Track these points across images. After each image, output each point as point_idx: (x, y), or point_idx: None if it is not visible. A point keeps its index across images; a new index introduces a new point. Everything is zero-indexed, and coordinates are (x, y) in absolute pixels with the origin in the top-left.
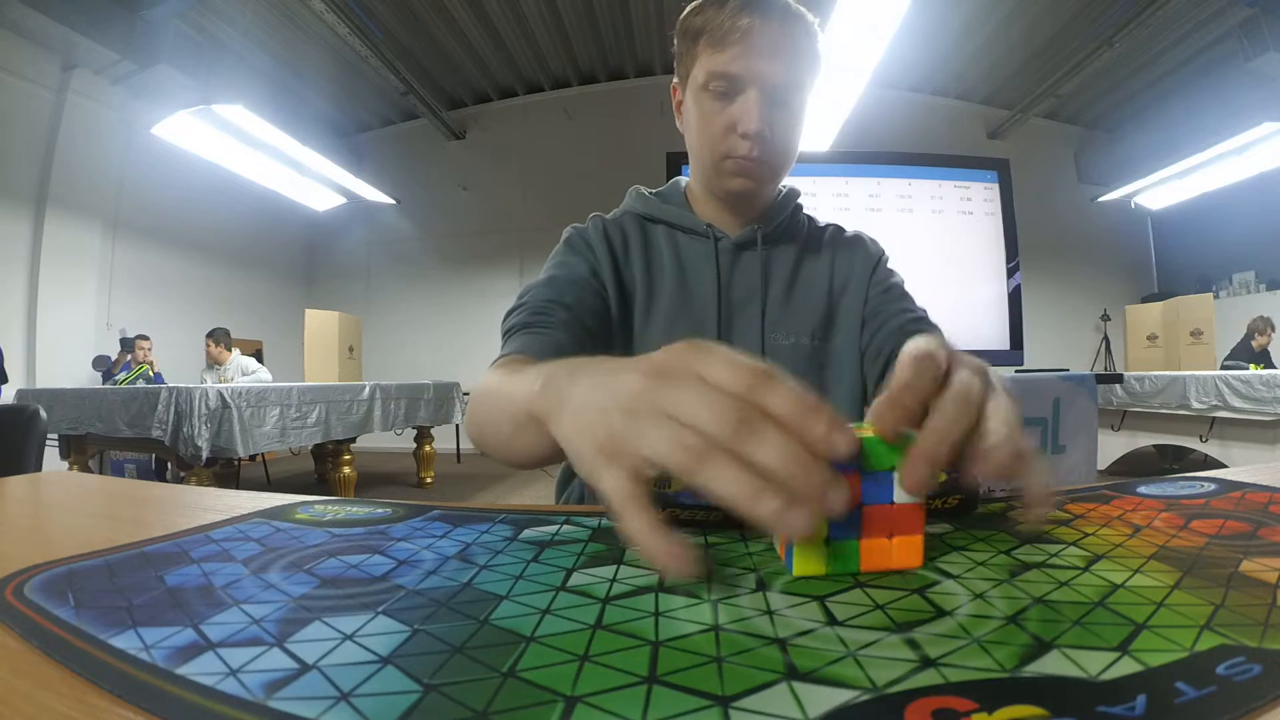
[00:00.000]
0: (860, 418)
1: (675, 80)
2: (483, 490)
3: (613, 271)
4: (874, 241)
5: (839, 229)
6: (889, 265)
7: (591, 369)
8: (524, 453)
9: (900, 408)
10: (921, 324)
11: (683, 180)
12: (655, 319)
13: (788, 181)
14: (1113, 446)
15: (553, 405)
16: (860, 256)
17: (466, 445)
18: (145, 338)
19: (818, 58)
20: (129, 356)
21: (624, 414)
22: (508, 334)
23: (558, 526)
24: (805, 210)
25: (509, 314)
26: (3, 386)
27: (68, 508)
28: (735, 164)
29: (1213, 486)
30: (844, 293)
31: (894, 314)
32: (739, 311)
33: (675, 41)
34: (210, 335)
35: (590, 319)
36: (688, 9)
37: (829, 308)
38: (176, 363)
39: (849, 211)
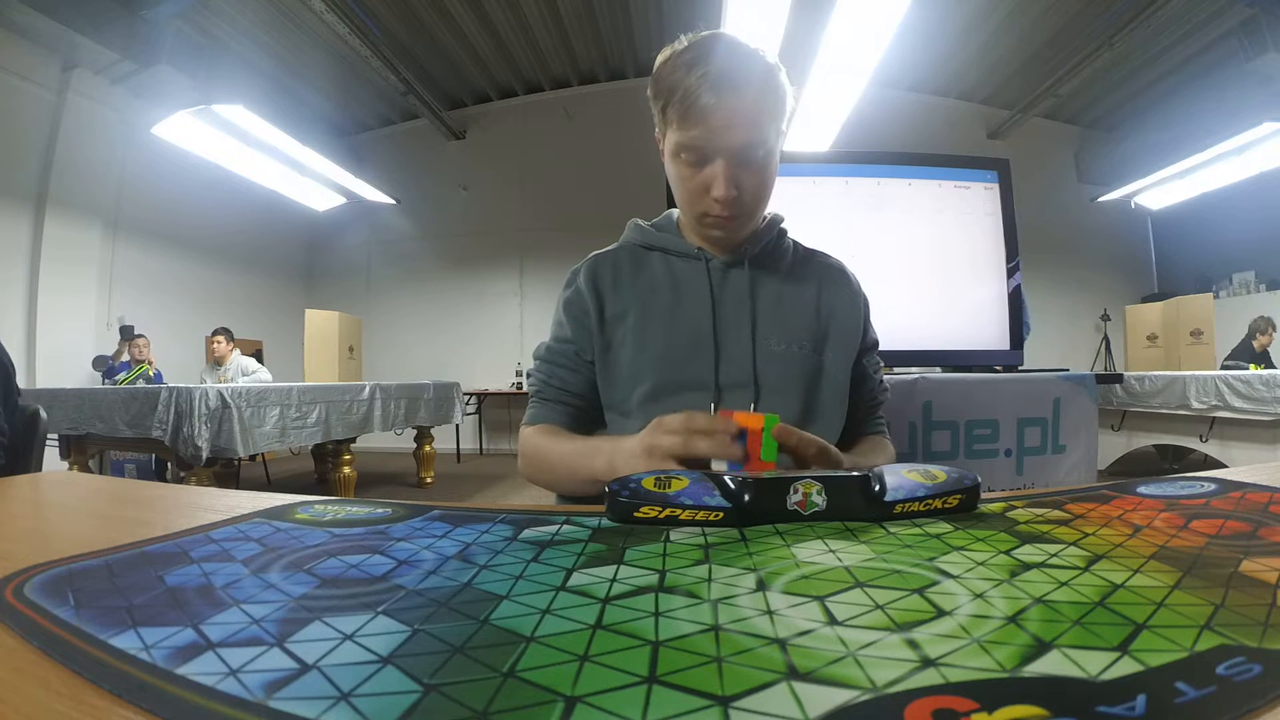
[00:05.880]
0: (844, 422)
1: (657, 131)
2: (483, 490)
3: (598, 317)
4: (857, 280)
5: (824, 256)
6: (869, 317)
7: (619, 449)
8: (582, 490)
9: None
10: (877, 397)
11: (675, 212)
12: (653, 332)
13: (774, 206)
14: (1113, 446)
15: (611, 472)
16: (846, 293)
17: (466, 445)
18: (141, 336)
19: (783, 101)
20: (127, 346)
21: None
22: (532, 394)
23: (558, 526)
24: (798, 220)
25: (530, 374)
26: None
27: (68, 508)
28: (712, 220)
29: (1213, 486)
30: (832, 317)
31: (867, 392)
32: (731, 321)
33: (649, 92)
34: (220, 332)
35: (574, 395)
36: (660, 61)
37: (819, 324)
38: (177, 363)
39: (849, 211)
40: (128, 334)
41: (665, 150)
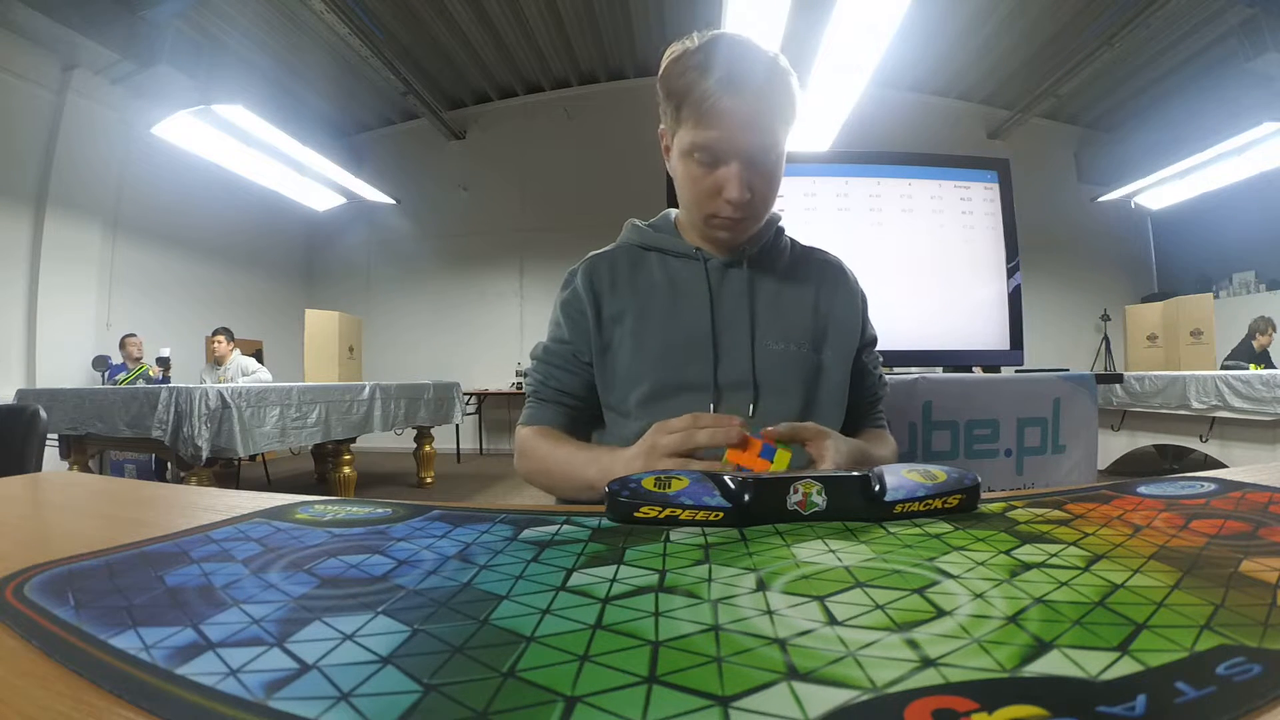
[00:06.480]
0: (843, 421)
1: (662, 127)
2: (483, 490)
3: (595, 318)
4: (855, 277)
5: (822, 254)
6: (868, 313)
7: (617, 457)
8: (576, 495)
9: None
10: (877, 393)
11: (673, 212)
12: (651, 332)
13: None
14: (1113, 446)
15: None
16: (844, 291)
17: (466, 445)
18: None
19: (795, 105)
20: (162, 372)
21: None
22: (529, 394)
23: (558, 526)
24: (798, 220)
25: (528, 374)
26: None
27: (68, 508)
28: (721, 221)
29: (1213, 486)
30: (830, 316)
31: (867, 388)
32: (729, 321)
33: (659, 91)
34: (220, 332)
35: (571, 396)
36: (670, 60)
37: (818, 323)
38: (177, 363)
39: (849, 211)
40: (164, 364)
41: (674, 149)
